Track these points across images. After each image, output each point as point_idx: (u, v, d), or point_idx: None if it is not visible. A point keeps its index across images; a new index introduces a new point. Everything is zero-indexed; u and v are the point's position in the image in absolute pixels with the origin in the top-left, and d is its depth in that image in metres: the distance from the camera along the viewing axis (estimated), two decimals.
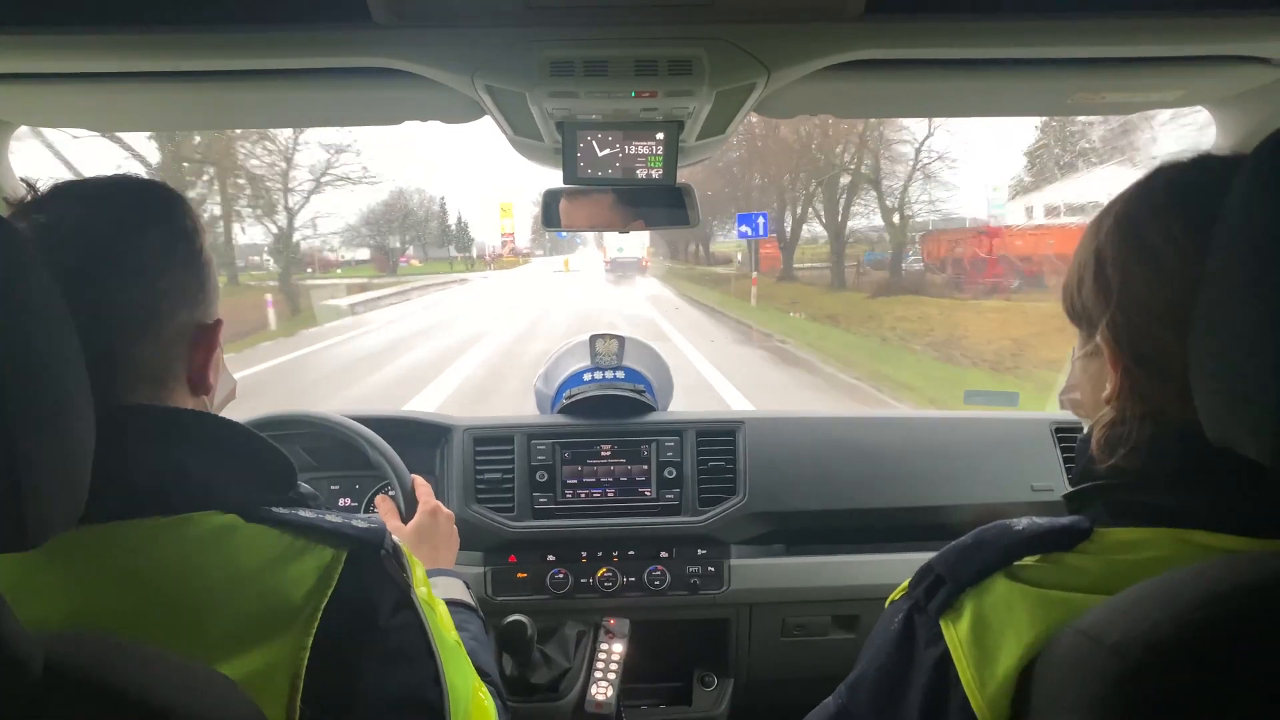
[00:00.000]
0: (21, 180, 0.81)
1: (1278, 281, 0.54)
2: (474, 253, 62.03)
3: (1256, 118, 1.23)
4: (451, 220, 64.08)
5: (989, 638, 0.67)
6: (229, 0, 0.99)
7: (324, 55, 1.04)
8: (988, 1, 1.00)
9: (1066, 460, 1.88)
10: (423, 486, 1.48)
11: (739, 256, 30.78)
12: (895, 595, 0.80)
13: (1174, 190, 0.73)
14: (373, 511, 1.71)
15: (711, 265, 34.02)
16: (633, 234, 1.51)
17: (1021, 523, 0.73)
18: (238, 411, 1.11)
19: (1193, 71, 1.14)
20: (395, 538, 0.84)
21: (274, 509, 0.78)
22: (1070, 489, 0.79)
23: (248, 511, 0.76)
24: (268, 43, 1.01)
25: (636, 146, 1.27)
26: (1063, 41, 1.04)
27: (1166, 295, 0.70)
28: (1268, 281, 0.55)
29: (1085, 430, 0.81)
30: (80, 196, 0.80)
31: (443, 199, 61.82)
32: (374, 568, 0.79)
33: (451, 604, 1.19)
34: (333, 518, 0.79)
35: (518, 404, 7.54)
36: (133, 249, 0.78)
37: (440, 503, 1.45)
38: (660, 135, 1.26)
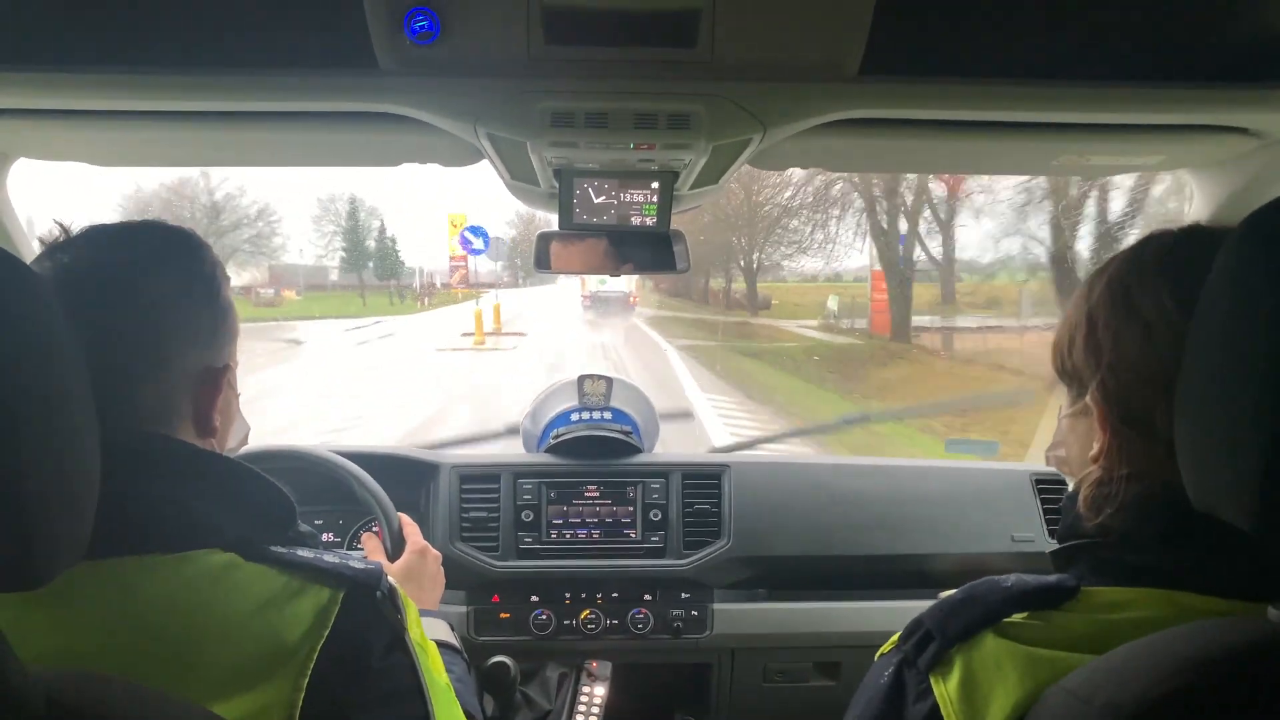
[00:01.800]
0: (55, 221, 0.83)
1: (1256, 352, 0.56)
2: (403, 280, 44.09)
3: (1234, 184, 1.27)
4: (369, 234, 44.57)
5: (978, 695, 0.68)
6: (237, 45, 1.00)
7: (330, 100, 1.06)
8: (978, 67, 1.04)
9: (1046, 511, 1.90)
10: (410, 526, 1.47)
11: (831, 305, 19.33)
12: (886, 648, 0.81)
13: (1164, 259, 0.76)
14: (358, 548, 1.70)
15: (759, 313, 22.17)
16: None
17: (1010, 579, 0.75)
18: None
19: (1174, 139, 1.18)
20: (391, 579, 0.84)
21: (273, 548, 0.78)
22: (1055, 544, 0.81)
23: (247, 550, 0.77)
24: (276, 87, 1.03)
25: (631, 194, 1.29)
26: (1049, 107, 1.08)
27: (1155, 360, 0.72)
28: (1246, 352, 0.57)
29: (1072, 487, 0.82)
30: (103, 239, 0.83)
31: (352, 200, 42.73)
32: (369, 609, 0.79)
33: (435, 644, 1.19)
34: (330, 558, 0.80)
35: None
36: (144, 290, 0.80)
37: (428, 543, 1.45)
38: (655, 184, 1.28)
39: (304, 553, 0.79)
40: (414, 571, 1.38)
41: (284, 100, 1.07)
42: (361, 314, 30.63)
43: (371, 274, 43.93)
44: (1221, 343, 0.60)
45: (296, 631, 0.73)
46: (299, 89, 1.04)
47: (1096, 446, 0.77)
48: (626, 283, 27.09)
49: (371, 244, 44.75)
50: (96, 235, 0.83)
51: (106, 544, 0.70)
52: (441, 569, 1.44)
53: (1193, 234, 0.76)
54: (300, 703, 0.71)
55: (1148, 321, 0.74)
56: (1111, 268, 0.79)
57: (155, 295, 0.81)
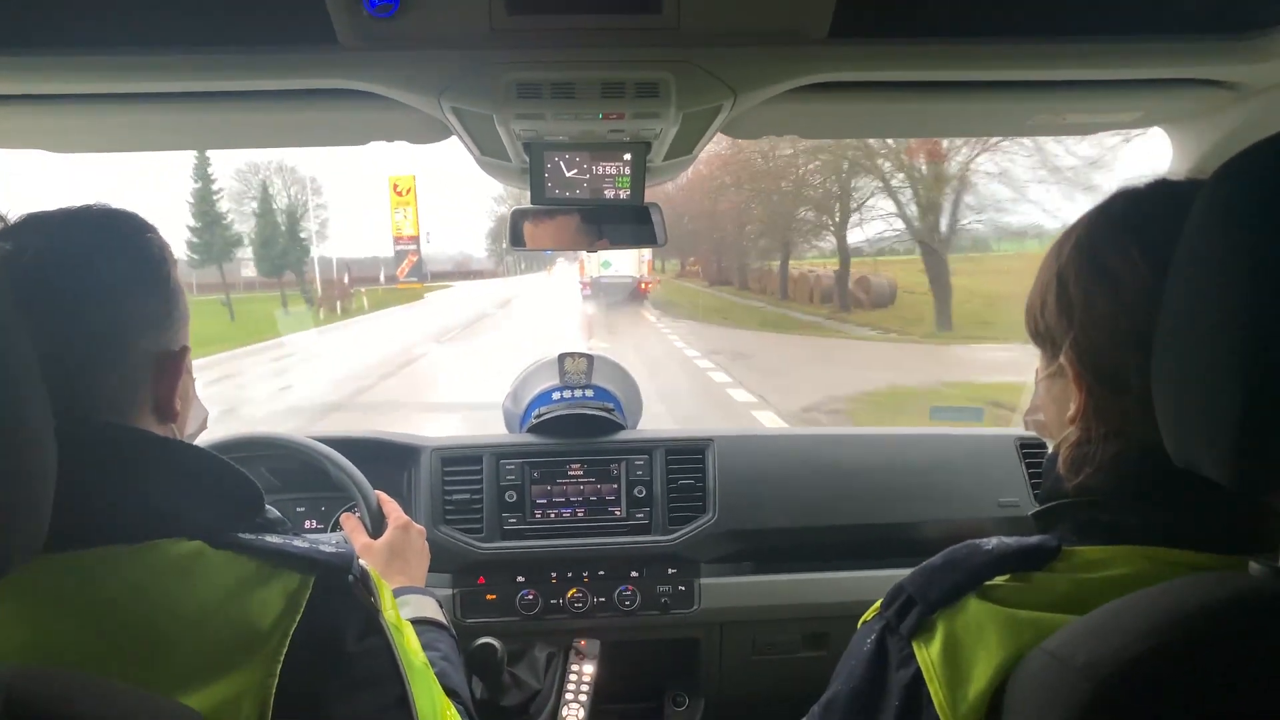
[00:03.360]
0: None
1: (1232, 306, 0.55)
2: (311, 274, 31.04)
3: (1212, 138, 1.26)
4: (248, 208, 31.78)
5: (961, 659, 0.67)
6: (193, 23, 0.98)
7: (290, 77, 1.04)
8: (949, 25, 1.02)
9: (1032, 475, 1.90)
10: (390, 503, 1.47)
11: None
12: (868, 616, 0.80)
13: (1131, 215, 0.75)
14: (338, 530, 1.69)
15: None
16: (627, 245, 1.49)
17: (991, 542, 0.74)
18: None
19: (1150, 94, 1.17)
20: (364, 561, 0.83)
21: (241, 535, 0.77)
22: (1037, 506, 0.80)
23: (214, 538, 0.75)
24: (233, 65, 1.00)
25: (604, 167, 1.28)
26: (1024, 65, 1.06)
27: (1128, 317, 0.71)
28: (1223, 306, 0.56)
29: (1051, 450, 0.82)
30: (47, 225, 0.81)
31: (204, 159, 27.99)
32: (342, 593, 0.78)
33: (423, 622, 1.18)
34: (300, 542, 0.79)
35: None
36: (95, 276, 0.78)
37: (410, 518, 1.44)
38: (627, 156, 1.26)
39: (273, 538, 0.78)
40: (399, 546, 1.37)
41: (243, 79, 1.04)
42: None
43: (255, 268, 32.27)
44: (1197, 296, 0.59)
45: (267, 617, 0.72)
46: (257, 67, 1.01)
47: (1073, 407, 0.77)
48: (635, 265, 22.83)
49: (230, 222, 30.75)
50: (39, 222, 0.81)
51: (70, 537, 0.69)
52: (426, 543, 1.44)
53: (1159, 188, 0.76)
54: (274, 689, 0.70)
55: (1118, 278, 0.73)
56: (1079, 227, 0.79)
57: (106, 281, 0.79)
